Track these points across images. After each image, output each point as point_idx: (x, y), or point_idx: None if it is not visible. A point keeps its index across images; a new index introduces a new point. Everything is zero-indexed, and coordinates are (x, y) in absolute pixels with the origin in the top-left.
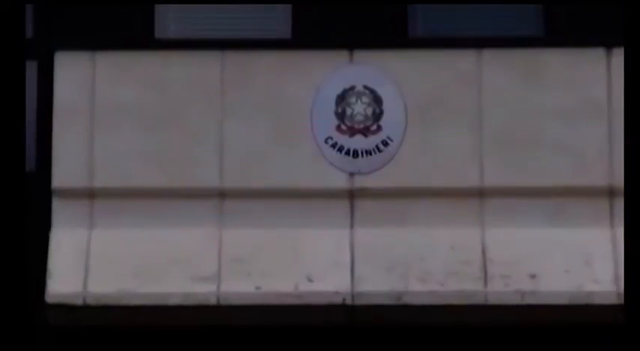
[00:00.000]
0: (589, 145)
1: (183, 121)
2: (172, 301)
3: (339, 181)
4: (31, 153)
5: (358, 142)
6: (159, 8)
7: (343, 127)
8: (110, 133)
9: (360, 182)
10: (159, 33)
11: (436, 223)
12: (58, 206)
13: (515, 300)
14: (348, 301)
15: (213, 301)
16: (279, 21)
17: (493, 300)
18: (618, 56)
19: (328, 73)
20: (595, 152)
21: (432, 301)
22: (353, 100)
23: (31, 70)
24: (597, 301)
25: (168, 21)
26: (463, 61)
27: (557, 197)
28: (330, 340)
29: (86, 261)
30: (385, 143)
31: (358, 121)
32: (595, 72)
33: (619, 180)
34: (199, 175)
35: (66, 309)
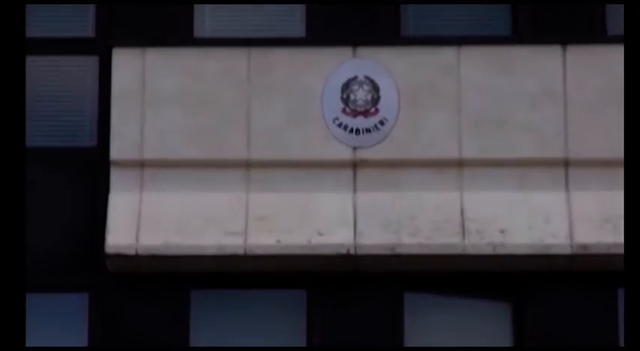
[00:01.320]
0: (548, 125)
1: (216, 105)
2: (208, 252)
3: (344, 153)
4: (93, 131)
5: (360, 122)
6: (197, 13)
7: (347, 109)
8: (157, 114)
9: (361, 155)
10: (197, 32)
11: (423, 188)
12: (115, 175)
13: (487, 251)
14: (352, 252)
15: (241, 251)
16: (295, 22)
17: (470, 250)
18: (572, 52)
19: (335, 65)
20: (553, 131)
21: (420, 252)
22: (355, 87)
23: (94, 63)
24: (554, 251)
25: (205, 22)
26: (445, 55)
27: (522, 167)
28: (336, 283)
29: (138, 219)
30: (382, 123)
31: (360, 105)
32: (553, 65)
33: (572, 153)
34: (230, 149)
35: (122, 258)
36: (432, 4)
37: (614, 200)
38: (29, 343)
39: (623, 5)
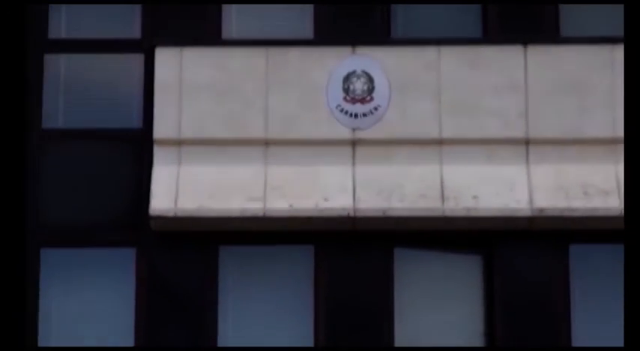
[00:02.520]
0: (511, 110)
1: (240, 94)
2: (233, 214)
3: (345, 134)
4: (140, 116)
5: (358, 108)
6: (224, 18)
7: (348, 98)
8: (192, 102)
9: (359, 135)
10: (224, 35)
11: (410, 163)
12: (157, 151)
13: (462, 213)
14: (351, 214)
15: (260, 214)
16: (304, 26)
17: (448, 213)
18: (531, 50)
19: (337, 61)
20: (515, 115)
21: (407, 214)
22: (354, 80)
23: (140, 60)
24: (517, 214)
25: (231, 26)
26: (428, 53)
27: (490, 145)
28: (338, 240)
29: (176, 187)
30: (376, 109)
31: (358, 94)
32: (516, 61)
33: (532, 133)
34: (251, 130)
35: (163, 219)
36: (418, 4)
37: (566, 172)
38: (87, 290)
39: (574, 9)
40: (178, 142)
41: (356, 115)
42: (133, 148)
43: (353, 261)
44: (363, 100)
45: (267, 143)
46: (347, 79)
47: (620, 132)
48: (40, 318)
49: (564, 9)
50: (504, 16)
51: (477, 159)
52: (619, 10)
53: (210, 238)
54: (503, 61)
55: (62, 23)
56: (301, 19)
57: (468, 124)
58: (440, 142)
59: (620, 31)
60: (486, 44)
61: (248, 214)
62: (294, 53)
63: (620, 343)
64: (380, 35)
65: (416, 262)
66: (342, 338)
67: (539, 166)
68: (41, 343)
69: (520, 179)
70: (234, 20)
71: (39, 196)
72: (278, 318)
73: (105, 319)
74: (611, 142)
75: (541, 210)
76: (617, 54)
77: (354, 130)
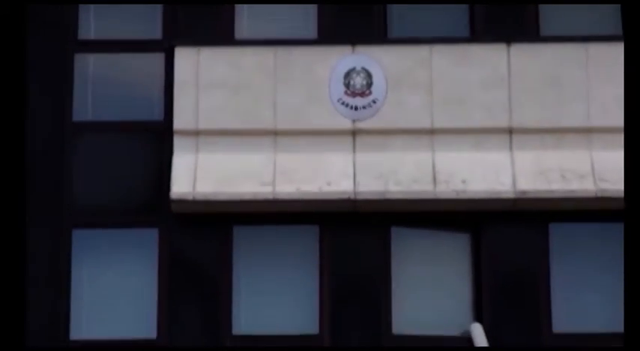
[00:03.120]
0: (496, 102)
1: (251, 89)
2: (246, 198)
3: (346, 125)
4: (161, 109)
5: (357, 101)
6: (237, 20)
7: (348, 92)
8: (207, 96)
9: (359, 125)
10: (237, 35)
11: (405, 150)
12: (177, 141)
13: (452, 195)
14: (352, 197)
15: (270, 197)
16: (308, 27)
17: (439, 195)
18: (514, 48)
19: (339, 59)
20: (500, 106)
21: (402, 197)
22: (354, 76)
23: (161, 58)
24: (502, 196)
25: (243, 28)
26: (421, 51)
27: (477, 134)
28: (340, 220)
29: (194, 173)
30: (374, 102)
31: (357, 89)
32: (500, 58)
33: (515, 124)
34: (261, 122)
35: (182, 202)
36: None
37: (546, 158)
38: (114, 267)
39: (552, 11)
40: (196, 133)
41: (356, 108)
42: (155, 138)
43: (354, 239)
44: (362, 94)
45: (275, 133)
46: (347, 75)
47: (594, 121)
48: (72, 291)
49: (544, 11)
50: (490, 17)
51: (465, 146)
52: (593, 10)
53: (224, 219)
54: (489, 58)
55: (91, 25)
56: (306, 21)
57: (457, 115)
58: (432, 131)
59: (593, 30)
60: (473, 43)
61: (259, 197)
62: (299, 52)
63: (595, 309)
64: (377, 35)
65: (410, 240)
66: (345, 308)
67: (522, 153)
68: (73, 317)
69: (504, 164)
70: (245, 22)
71: (71, 182)
72: (286, 290)
73: (130, 292)
74: (585, 130)
75: (523, 192)
76: (591, 51)
77: (354, 121)
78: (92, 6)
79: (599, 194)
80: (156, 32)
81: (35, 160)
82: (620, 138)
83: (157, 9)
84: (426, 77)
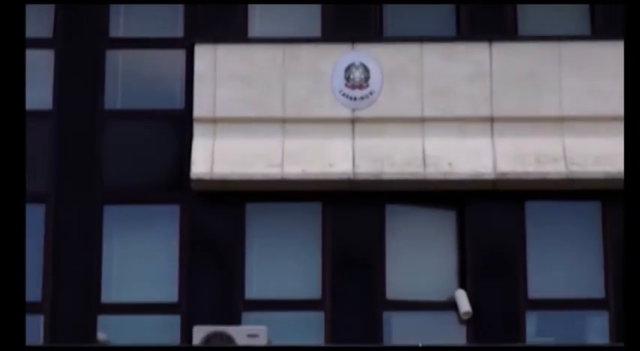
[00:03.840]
0: (479, 94)
1: (262, 82)
2: (257, 178)
3: (346, 113)
4: (182, 99)
5: (356, 92)
6: (250, 20)
7: (348, 84)
8: (223, 88)
9: (358, 114)
10: (250, 34)
11: (398, 136)
12: (196, 127)
13: (440, 177)
14: (351, 178)
15: (278, 177)
16: (314, 27)
17: (428, 177)
18: (495, 46)
19: (340, 55)
20: (482, 97)
21: (396, 178)
22: (353, 70)
23: (182, 55)
24: (484, 177)
25: (255, 27)
26: (413, 49)
27: (462, 122)
28: (340, 198)
29: (211, 156)
30: (371, 93)
31: (356, 82)
32: (483, 55)
33: (495, 113)
34: (271, 110)
35: (201, 181)
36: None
37: (523, 143)
38: (140, 239)
39: (529, 13)
40: (213, 120)
41: (355, 99)
42: (177, 125)
43: (352, 215)
44: (360, 87)
45: (284, 121)
46: (348, 69)
47: (565, 111)
48: (103, 260)
49: (522, 13)
50: (473, 19)
51: (451, 133)
52: (565, 13)
53: (238, 197)
54: (473, 55)
55: (120, 25)
56: (311, 21)
57: (444, 106)
58: (422, 120)
59: (565, 31)
60: (459, 42)
61: (269, 177)
62: (305, 48)
63: (565, 278)
64: (374, 34)
65: (403, 215)
66: (344, 276)
67: (501, 139)
68: (104, 283)
69: (486, 149)
70: (257, 22)
71: (103, 164)
72: (292, 260)
73: (154, 261)
74: (558, 119)
75: (503, 174)
76: (563, 49)
77: (353, 110)
78: (122, 8)
79: (570, 176)
80: (178, 31)
81: (71, 144)
82: (589, 126)
83: (179, 11)
84: (417, 72)
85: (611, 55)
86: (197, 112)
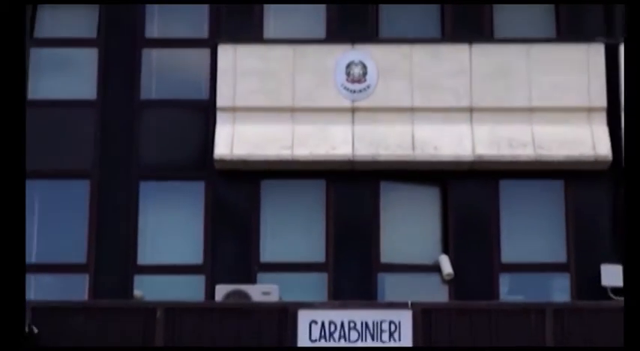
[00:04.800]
0: (460, 87)
1: (275, 76)
2: (271, 158)
3: (347, 104)
4: (207, 90)
5: (356, 86)
6: (265, 23)
7: (349, 79)
8: (242, 82)
9: (357, 104)
10: (265, 35)
11: (391, 123)
12: (219, 115)
13: (427, 158)
14: (351, 159)
15: (289, 158)
16: (319, 29)
17: (417, 158)
18: (475, 47)
19: (342, 53)
20: (463, 90)
21: (389, 159)
22: (353, 67)
23: (207, 53)
24: (464, 159)
25: (270, 29)
26: (404, 48)
27: (446, 112)
28: (342, 176)
29: (232, 138)
30: (368, 87)
31: (356, 77)
32: (462, 54)
33: (475, 104)
34: (283, 100)
35: (223, 161)
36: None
37: (498, 130)
38: (170, 210)
39: (504, 19)
40: (233, 109)
41: (354, 91)
42: (203, 113)
43: (352, 191)
44: (359, 81)
45: (293, 110)
46: (348, 66)
47: (534, 103)
48: (139, 228)
49: (497, 19)
50: (456, 23)
51: (437, 121)
52: (534, 17)
53: (254, 175)
54: (455, 54)
55: (155, 27)
56: (317, 24)
57: (430, 97)
58: (412, 109)
59: (534, 34)
60: (443, 43)
61: (281, 158)
62: (311, 48)
63: (533, 245)
64: (371, 36)
65: (395, 192)
66: (345, 243)
67: (479, 126)
68: (140, 249)
69: (466, 135)
70: (271, 25)
71: (139, 146)
72: (300, 228)
73: (182, 229)
74: (528, 110)
75: (480, 156)
76: (532, 50)
77: (353, 101)
78: (156, 13)
79: (537, 159)
80: (203, 33)
81: (112, 129)
82: (554, 115)
83: (205, 15)
84: (407, 68)
85: (574, 54)
86: (219, 102)
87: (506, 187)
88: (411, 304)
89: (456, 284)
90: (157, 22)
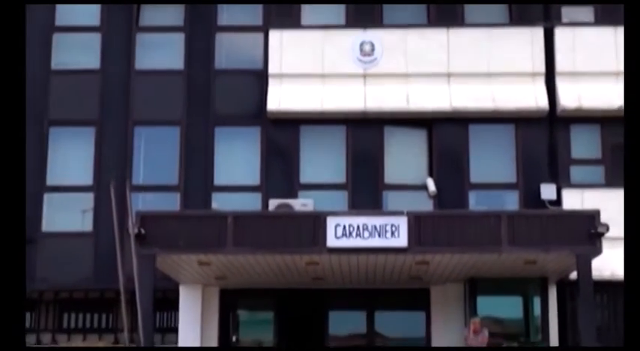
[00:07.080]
0: (442, 59)
1: (310, 50)
2: (307, 110)
3: (360, 71)
4: (261, 61)
5: (366, 59)
6: (303, 14)
7: (361, 54)
8: (287, 55)
9: (367, 72)
10: (303, 22)
11: (392, 85)
12: (271, 80)
13: (418, 109)
14: (363, 109)
15: (320, 110)
16: (340, 18)
17: (410, 109)
18: (452, 31)
19: (357, 36)
20: (443, 62)
21: (391, 109)
22: (365, 45)
23: (261, 38)
24: (445, 110)
25: (306, 18)
26: (400, 33)
27: (433, 76)
28: (357, 122)
29: (279, 97)
30: (375, 59)
31: (367, 52)
32: (442, 36)
33: (452, 70)
34: (317, 68)
35: (274, 112)
36: (396, 4)
37: (469, 89)
38: (237, 148)
39: (472, 7)
40: (280, 75)
41: (365, 62)
42: (259, 78)
43: (364, 133)
44: (369, 55)
45: (323, 76)
46: (361, 44)
47: (493, 69)
48: (215, 160)
49: (467, 11)
50: (438, 13)
51: (424, 83)
52: (493, 7)
53: (296, 122)
54: (437, 35)
55: (224, 17)
56: (338, 15)
57: (420, 66)
58: (406, 75)
59: (494, 20)
60: (429, 27)
61: (315, 109)
62: (335, 31)
63: (494, 170)
64: (378, 23)
65: (395, 133)
66: (359, 171)
67: (455, 87)
68: (216, 174)
69: (446, 93)
70: (307, 15)
71: (215, 101)
72: (328, 159)
73: (245, 160)
74: (487, 75)
75: (455, 108)
76: (491, 31)
77: (364, 69)
78: (225, 6)
79: (496, 109)
80: (259, 21)
81: (195, 89)
82: (508, 79)
83: (259, 9)
84: (403, 46)
85: (521, 35)
86: (271, 69)
87: (473, 130)
88: (407, 212)
89: (438, 199)
90: (226, 14)
